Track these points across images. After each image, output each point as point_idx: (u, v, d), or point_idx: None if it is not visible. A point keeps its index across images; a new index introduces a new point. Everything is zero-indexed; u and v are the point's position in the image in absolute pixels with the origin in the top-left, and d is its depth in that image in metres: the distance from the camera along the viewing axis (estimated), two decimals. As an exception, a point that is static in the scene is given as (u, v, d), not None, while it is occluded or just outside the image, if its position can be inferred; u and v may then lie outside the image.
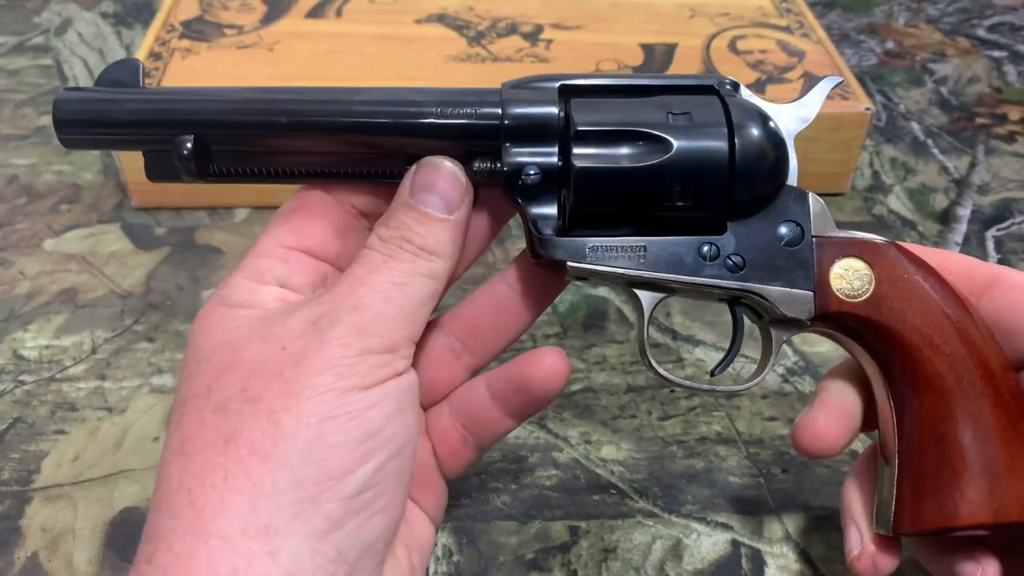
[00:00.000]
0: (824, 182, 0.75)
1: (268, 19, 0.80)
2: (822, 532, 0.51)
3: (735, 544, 0.51)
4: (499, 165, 0.40)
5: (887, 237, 0.42)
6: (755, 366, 0.45)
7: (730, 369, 0.44)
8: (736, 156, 0.39)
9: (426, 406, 0.45)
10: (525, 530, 0.51)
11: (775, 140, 0.41)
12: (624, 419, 0.58)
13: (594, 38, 0.80)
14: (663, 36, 0.80)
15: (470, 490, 0.53)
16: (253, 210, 0.73)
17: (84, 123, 0.40)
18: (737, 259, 0.41)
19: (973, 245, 0.72)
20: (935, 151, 0.82)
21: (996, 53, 0.96)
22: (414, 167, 0.40)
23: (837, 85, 0.44)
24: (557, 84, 0.41)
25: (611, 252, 0.40)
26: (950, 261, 0.43)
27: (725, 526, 0.52)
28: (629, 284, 0.42)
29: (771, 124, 0.41)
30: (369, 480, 0.35)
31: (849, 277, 0.41)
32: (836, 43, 0.95)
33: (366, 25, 0.80)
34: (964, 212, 0.75)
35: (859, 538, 0.43)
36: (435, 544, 0.50)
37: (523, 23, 0.81)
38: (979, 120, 0.86)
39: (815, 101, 0.43)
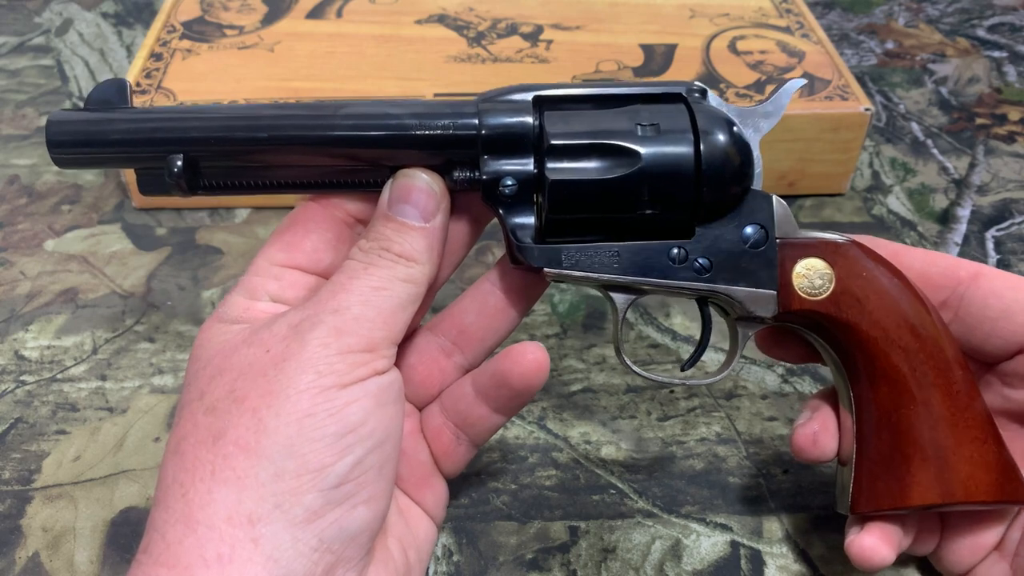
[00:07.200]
0: (824, 182, 0.75)
1: (268, 20, 0.80)
2: (822, 532, 0.51)
3: (734, 544, 0.51)
4: (477, 174, 0.41)
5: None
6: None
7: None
8: (702, 163, 0.41)
9: (420, 406, 0.47)
10: (525, 530, 0.51)
11: (740, 145, 0.42)
12: (624, 419, 0.58)
13: (594, 39, 0.80)
14: (663, 37, 0.80)
15: (470, 490, 0.53)
16: (254, 211, 0.73)
17: (76, 144, 0.42)
18: (705, 261, 0.42)
19: (973, 245, 0.72)
20: (935, 151, 0.82)
21: (996, 53, 0.96)
22: (390, 180, 0.41)
23: (802, 87, 0.45)
24: (531, 95, 0.42)
25: (586, 258, 0.42)
26: (934, 260, 0.45)
27: (724, 526, 0.52)
28: (604, 287, 0.43)
29: (736, 130, 0.42)
30: (349, 473, 0.37)
31: (811, 276, 0.43)
32: (836, 43, 0.96)
33: (366, 26, 0.80)
34: (964, 212, 0.75)
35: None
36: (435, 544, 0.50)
37: (523, 24, 0.81)
38: (979, 120, 0.86)
39: (780, 104, 0.44)
